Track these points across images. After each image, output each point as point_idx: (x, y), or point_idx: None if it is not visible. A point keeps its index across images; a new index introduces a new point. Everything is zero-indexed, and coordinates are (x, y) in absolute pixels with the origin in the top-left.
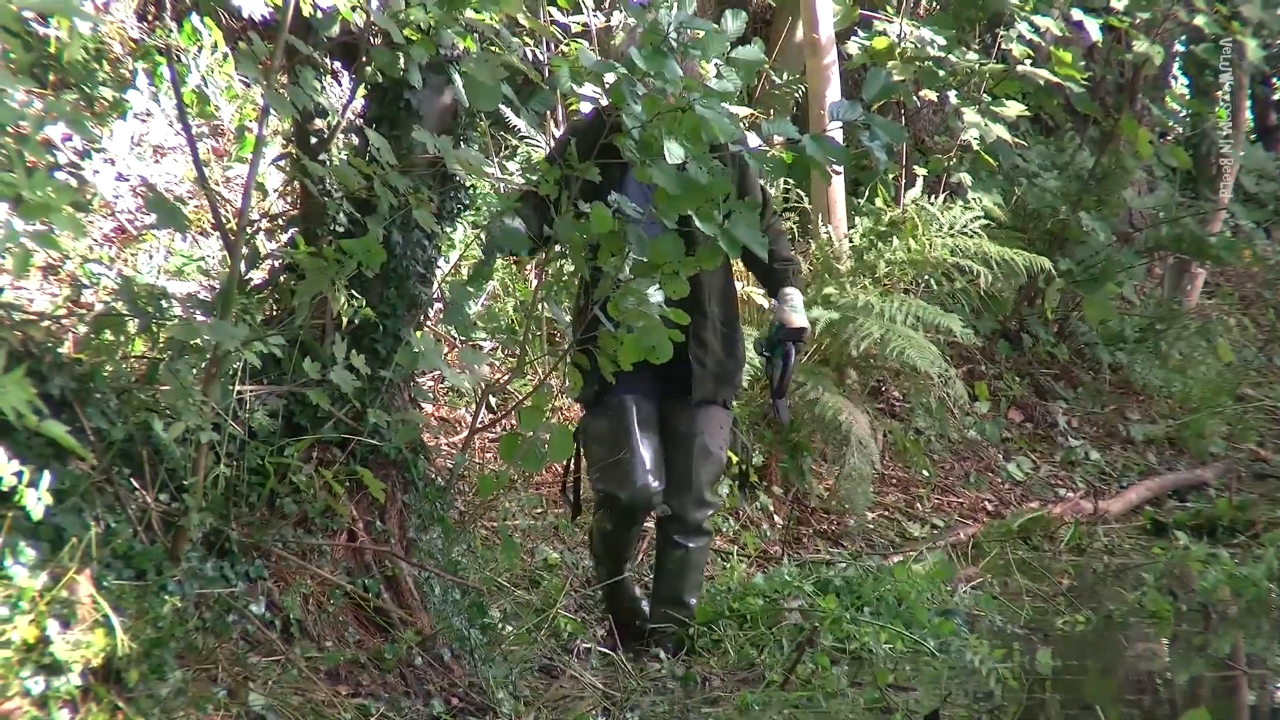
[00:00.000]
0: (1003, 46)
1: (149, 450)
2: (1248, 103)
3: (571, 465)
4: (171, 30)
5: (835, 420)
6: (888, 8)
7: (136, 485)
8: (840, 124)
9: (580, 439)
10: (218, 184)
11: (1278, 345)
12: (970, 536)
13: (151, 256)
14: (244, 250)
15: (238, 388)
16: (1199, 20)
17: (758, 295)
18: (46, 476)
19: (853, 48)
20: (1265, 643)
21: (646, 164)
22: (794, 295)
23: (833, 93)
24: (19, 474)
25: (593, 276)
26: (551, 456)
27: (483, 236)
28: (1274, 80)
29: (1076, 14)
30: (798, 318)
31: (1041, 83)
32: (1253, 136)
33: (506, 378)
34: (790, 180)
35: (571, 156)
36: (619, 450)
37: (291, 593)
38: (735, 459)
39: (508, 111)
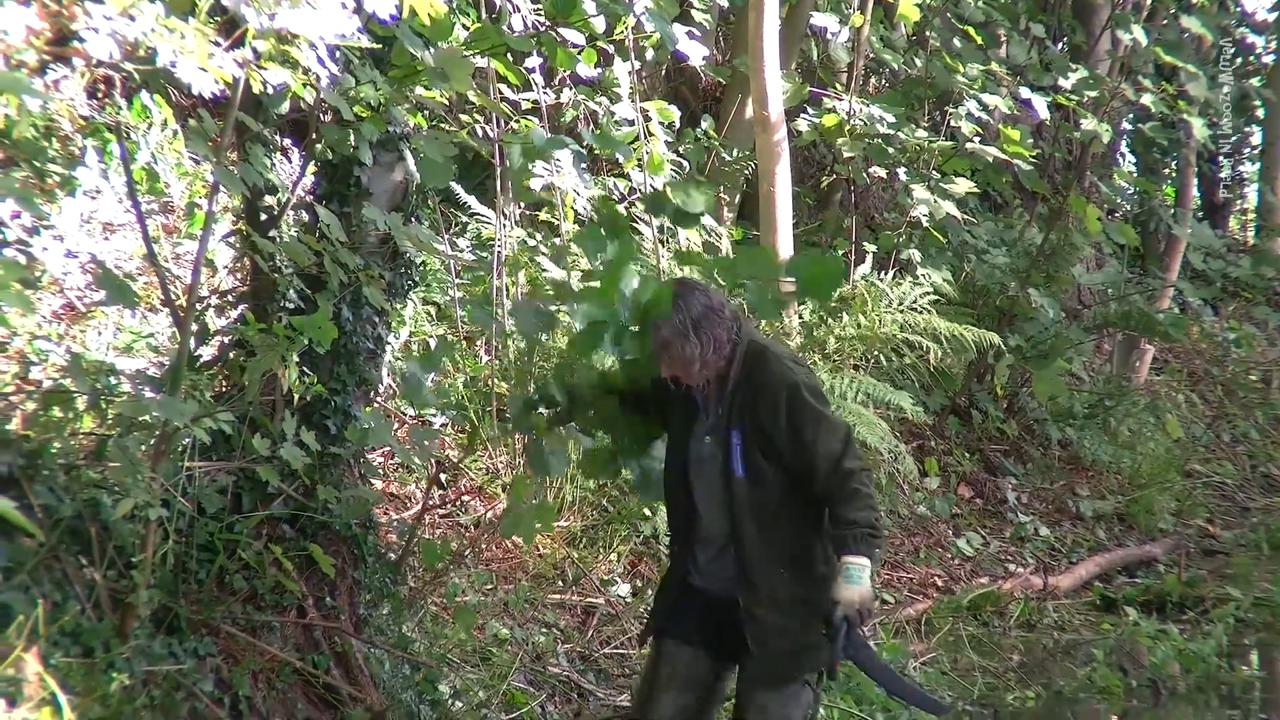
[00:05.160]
0: (952, 124)
1: (97, 527)
2: (1194, 181)
3: None
4: (121, 107)
5: None
6: (837, 85)
7: (85, 562)
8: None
9: None
10: (167, 261)
11: (1225, 421)
12: (920, 612)
13: (100, 333)
14: (193, 327)
15: (187, 464)
16: (1146, 99)
17: None
18: None
19: (802, 125)
20: (1214, 719)
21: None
22: (853, 564)
23: (782, 169)
24: None
25: None
26: (540, 527)
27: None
28: (1220, 159)
29: (1025, 92)
30: (848, 589)
31: (990, 160)
32: (1200, 214)
33: (459, 454)
34: None
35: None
36: (644, 697)
37: (240, 669)
38: None
39: (458, 188)
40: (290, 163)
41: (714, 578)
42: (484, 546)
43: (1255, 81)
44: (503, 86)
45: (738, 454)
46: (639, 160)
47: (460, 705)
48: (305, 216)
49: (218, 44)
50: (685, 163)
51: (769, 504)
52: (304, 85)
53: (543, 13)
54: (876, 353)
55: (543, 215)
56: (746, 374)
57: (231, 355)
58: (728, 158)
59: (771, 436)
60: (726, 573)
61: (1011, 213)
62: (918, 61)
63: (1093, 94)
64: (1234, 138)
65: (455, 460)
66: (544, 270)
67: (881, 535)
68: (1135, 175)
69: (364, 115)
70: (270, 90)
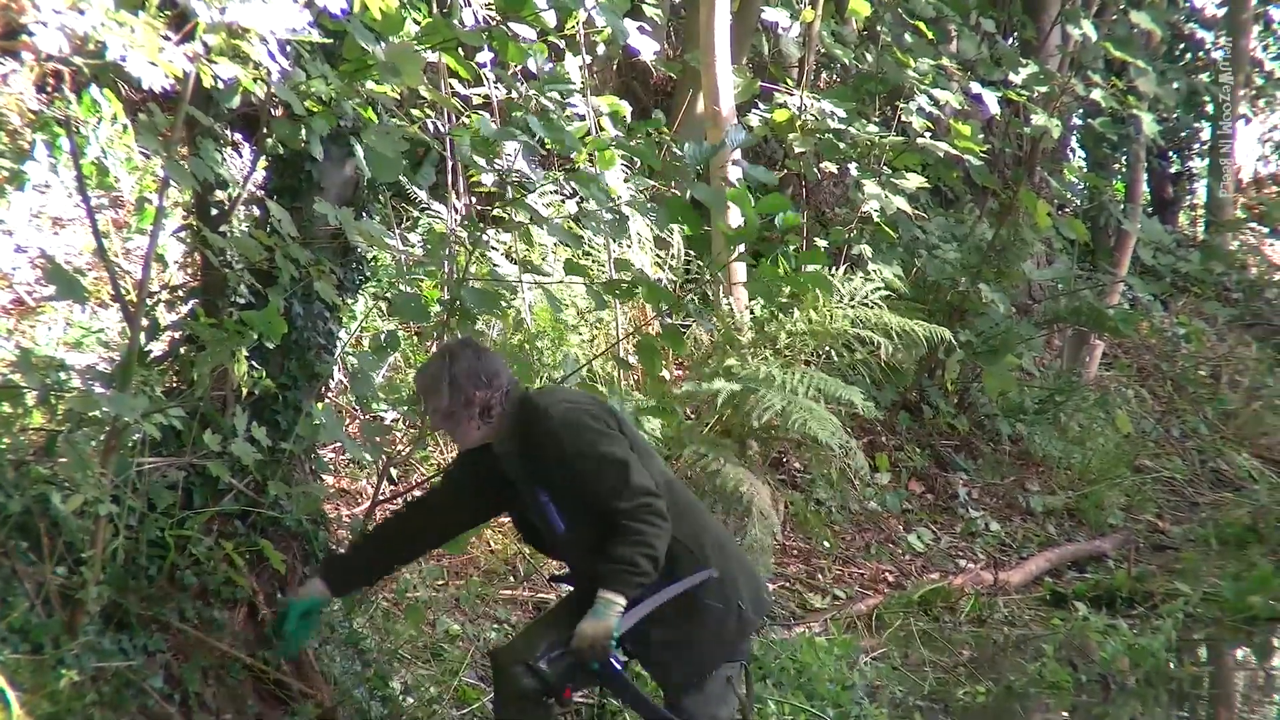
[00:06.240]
0: (903, 119)
1: (47, 523)
2: (1144, 176)
3: None
4: (70, 102)
5: (736, 491)
6: (788, 80)
7: (34, 558)
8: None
9: None
10: (117, 255)
11: (1175, 417)
12: (871, 607)
13: (50, 328)
14: (144, 322)
15: (137, 460)
16: (1096, 94)
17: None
18: None
19: (754, 120)
20: (1163, 714)
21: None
22: (603, 600)
23: (733, 165)
24: None
25: None
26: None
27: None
28: (1170, 154)
29: (975, 87)
30: (588, 623)
31: (941, 155)
32: (1149, 209)
33: (408, 449)
34: (692, 251)
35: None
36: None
37: (191, 666)
38: None
39: (409, 183)
40: (241, 157)
41: None
42: None
43: (1205, 77)
44: (453, 81)
45: (552, 511)
46: (589, 155)
47: (411, 701)
48: (256, 211)
49: (168, 38)
50: (636, 158)
51: (598, 543)
52: (255, 80)
53: (493, 7)
54: (828, 348)
55: (496, 210)
56: (522, 435)
57: (182, 350)
58: (679, 152)
59: (563, 488)
60: None
61: (962, 208)
62: (869, 57)
63: (1043, 89)
64: (1184, 133)
65: (405, 455)
66: (495, 265)
67: (644, 573)
68: (1085, 170)
69: (315, 110)
70: (221, 85)
